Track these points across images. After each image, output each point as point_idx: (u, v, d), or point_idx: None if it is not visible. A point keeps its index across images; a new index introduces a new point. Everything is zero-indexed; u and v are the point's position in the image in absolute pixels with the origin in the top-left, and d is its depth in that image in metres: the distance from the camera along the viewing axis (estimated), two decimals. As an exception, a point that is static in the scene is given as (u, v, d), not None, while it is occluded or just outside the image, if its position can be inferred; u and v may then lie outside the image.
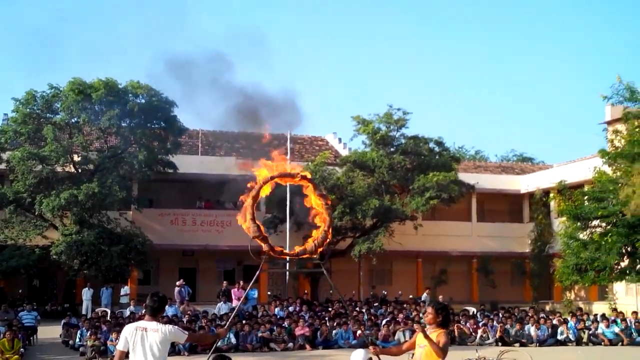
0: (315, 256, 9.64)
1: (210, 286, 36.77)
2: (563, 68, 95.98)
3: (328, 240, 9.67)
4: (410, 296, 35.42)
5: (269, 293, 36.45)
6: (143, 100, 33.07)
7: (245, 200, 9.66)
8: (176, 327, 7.92)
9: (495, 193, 42.57)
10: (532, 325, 23.78)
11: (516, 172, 47.08)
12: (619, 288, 34.28)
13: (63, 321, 24.04)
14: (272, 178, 9.64)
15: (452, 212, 40.66)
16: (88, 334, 20.64)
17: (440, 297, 31.45)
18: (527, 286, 41.86)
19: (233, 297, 26.23)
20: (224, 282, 28.92)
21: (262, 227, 9.60)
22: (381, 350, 8.61)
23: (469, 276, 42.10)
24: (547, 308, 36.17)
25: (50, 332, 24.53)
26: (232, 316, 11.35)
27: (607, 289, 36.34)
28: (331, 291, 37.75)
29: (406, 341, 10.13)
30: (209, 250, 37.75)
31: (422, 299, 29.85)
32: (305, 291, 36.33)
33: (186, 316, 23.25)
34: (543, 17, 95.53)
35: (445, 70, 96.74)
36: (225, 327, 9.80)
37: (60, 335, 23.32)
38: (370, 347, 8.50)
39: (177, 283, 28.81)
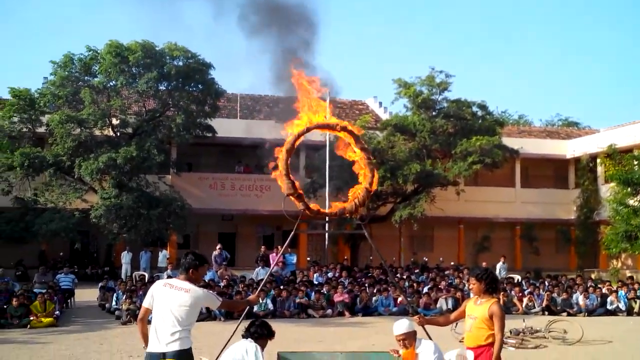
0: (355, 216, 9.07)
1: (250, 251, 36.56)
2: (607, 31, 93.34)
3: (369, 198, 9.08)
4: (452, 263, 34.77)
5: (308, 259, 36.07)
6: (180, 63, 32.65)
7: (279, 154, 9.09)
8: (210, 291, 7.23)
9: (540, 158, 41.50)
10: (581, 294, 22.86)
11: (561, 137, 45.87)
12: (669, 256, 33.29)
13: (100, 284, 23.97)
14: (308, 129, 9.04)
15: (495, 178, 39.77)
16: (124, 298, 20.44)
17: (484, 263, 30.68)
18: (572, 254, 40.92)
19: (271, 262, 25.90)
20: (262, 247, 28.56)
21: (297, 184, 9.01)
22: (426, 319, 8.11)
23: (513, 243, 41.28)
24: (593, 276, 35.28)
25: (88, 295, 24.48)
26: (263, 281, 10.85)
27: (656, 257, 35.35)
28: (371, 257, 37.31)
29: (449, 309, 9.58)
30: (248, 214, 37.51)
31: (498, 268, 29.11)
32: (345, 257, 35.91)
33: (224, 281, 22.94)
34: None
35: (487, 33, 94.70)
36: (256, 293, 9.20)
37: (98, 299, 23.23)
38: (415, 317, 7.96)
39: (217, 247, 28.58)
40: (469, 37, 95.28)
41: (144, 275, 27.02)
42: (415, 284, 23.89)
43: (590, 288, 23.52)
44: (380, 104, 45.70)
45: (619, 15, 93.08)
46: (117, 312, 20.43)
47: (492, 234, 40.77)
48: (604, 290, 23.48)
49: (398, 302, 21.84)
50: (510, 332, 15.99)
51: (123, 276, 28.42)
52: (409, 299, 21.34)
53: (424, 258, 35.84)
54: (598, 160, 39.38)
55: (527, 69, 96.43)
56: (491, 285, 7.38)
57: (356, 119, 39.29)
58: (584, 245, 39.54)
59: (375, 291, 22.29)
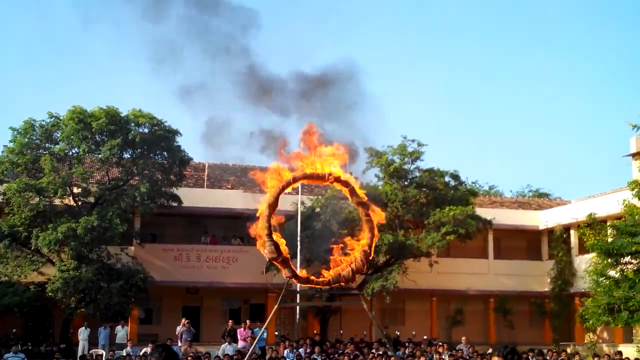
0: (352, 284, 7.96)
1: (215, 325, 35.05)
2: (574, 103, 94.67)
3: (367, 263, 8.01)
4: (425, 337, 33.65)
5: (276, 333, 34.66)
6: (146, 130, 31.77)
7: (259, 211, 8.04)
8: None
9: (513, 229, 40.84)
10: None
11: (533, 208, 45.39)
12: (649, 329, 32.45)
13: (52, 364, 22.33)
14: (295, 180, 8.00)
15: (468, 249, 38.96)
16: (79, 379, 18.92)
17: (463, 338, 29.52)
18: (546, 327, 39.96)
19: (239, 337, 24.58)
20: (230, 321, 27.22)
21: (281, 246, 7.92)
22: None
23: (486, 316, 40.24)
24: (569, 350, 34.26)
25: (41, 375, 22.85)
26: None
27: (634, 331, 34.47)
28: (341, 331, 36.07)
29: None
30: (214, 287, 36.11)
31: (460, 347, 27.73)
32: (315, 331, 34.53)
33: (189, 358, 21.51)
34: (555, 49, 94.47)
35: (455, 102, 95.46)
36: None
37: (51, 380, 21.61)
38: None
39: (183, 321, 27.05)
40: (436, 105, 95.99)
41: (102, 354, 25.38)
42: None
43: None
44: (351, 173, 44.86)
45: (584, 87, 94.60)
46: (71, 395, 18.87)
47: (465, 307, 39.76)
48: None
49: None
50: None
51: (79, 354, 26.74)
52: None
53: (396, 332, 34.69)
54: (572, 232, 38.91)
55: (497, 139, 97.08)
56: None
57: (327, 188, 38.52)
58: (559, 318, 38.65)
59: (350, 369, 21.03)
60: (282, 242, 7.79)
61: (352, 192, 8.09)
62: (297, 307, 30.86)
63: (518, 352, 6.39)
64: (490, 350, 27.13)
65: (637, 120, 25.30)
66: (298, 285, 30.69)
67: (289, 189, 8.00)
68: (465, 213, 33.75)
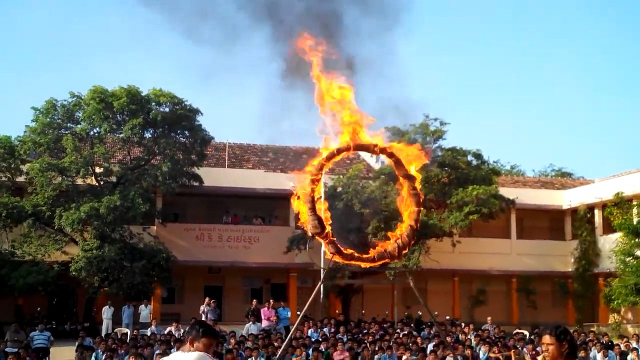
0: (398, 260, 7.73)
1: (237, 305, 35.12)
2: (598, 80, 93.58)
3: (414, 239, 7.79)
4: (447, 317, 33.45)
5: (298, 313, 34.59)
6: (167, 109, 31.66)
7: (307, 180, 7.81)
8: (204, 355, 5.79)
9: (536, 209, 40.41)
10: (599, 352, 21.36)
11: (556, 187, 44.95)
12: (673, 310, 32.12)
13: (77, 343, 22.27)
14: (339, 151, 7.77)
15: (491, 229, 38.63)
16: (103, 358, 18.88)
17: (489, 319, 29.14)
18: (569, 307, 39.63)
19: (263, 317, 24.49)
20: (254, 300, 27.13)
21: (325, 222, 7.70)
22: None
23: (509, 296, 39.98)
24: (593, 331, 33.95)
25: (65, 354, 22.82)
26: (284, 346, 9.35)
27: (659, 311, 34.17)
28: (363, 311, 35.98)
29: None
30: (235, 267, 36.09)
31: (485, 327, 27.39)
32: (337, 311, 34.45)
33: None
34: (579, 32, 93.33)
35: (476, 79, 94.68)
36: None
37: (75, 358, 21.59)
38: None
39: (207, 301, 26.96)
40: (459, 83, 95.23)
41: (126, 333, 25.41)
42: (419, 340, 22.34)
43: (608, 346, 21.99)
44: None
45: (607, 63, 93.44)
46: (96, 374, 18.87)
47: (488, 287, 39.55)
48: (622, 347, 22.09)
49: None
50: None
51: (103, 333, 26.79)
52: (413, 357, 19.90)
53: (418, 312, 34.48)
54: (596, 211, 38.49)
55: (518, 118, 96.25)
56: (572, 350, 5.78)
57: (348, 168, 38.34)
58: (582, 298, 38.32)
59: (377, 348, 20.80)
60: (326, 217, 7.57)
61: (398, 163, 7.85)
62: (322, 286, 30.63)
63: (570, 331, 6.07)
64: (516, 330, 26.97)
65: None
66: (323, 262, 30.86)
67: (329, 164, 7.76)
68: (488, 192, 33.43)
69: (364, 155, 45.10)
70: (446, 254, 35.93)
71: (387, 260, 7.60)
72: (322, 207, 7.73)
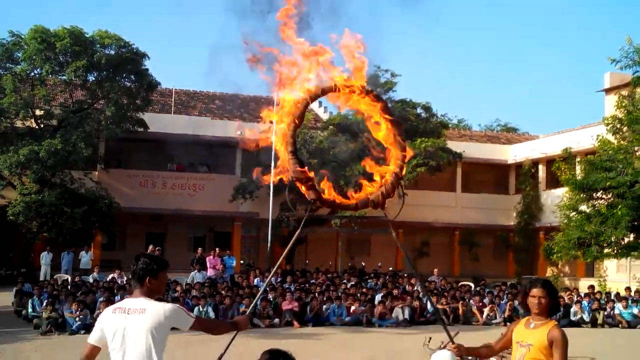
0: (381, 208, 7.39)
1: (179, 253, 34.65)
2: (545, 38, 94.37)
3: (398, 186, 7.44)
4: (390, 268, 33.64)
5: (242, 262, 34.41)
6: (112, 52, 30.63)
7: (283, 121, 7.36)
8: (179, 307, 5.25)
9: (481, 163, 40.72)
10: (520, 304, 21.55)
11: (502, 142, 45.30)
12: (610, 264, 32.79)
13: (15, 288, 21.64)
14: (323, 92, 7.31)
15: (436, 182, 38.78)
16: (44, 304, 18.37)
17: (435, 270, 29.31)
18: (510, 260, 40.31)
19: (208, 265, 24.16)
20: (199, 249, 26.75)
21: (305, 167, 7.27)
22: (466, 349, 6.29)
23: (451, 249, 40.43)
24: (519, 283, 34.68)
25: (2, 299, 22.25)
26: (255, 300, 8.96)
27: (595, 266, 34.88)
28: (307, 261, 35.95)
29: (405, 320, 8.02)
30: (179, 214, 35.57)
31: (432, 278, 27.47)
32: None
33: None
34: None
35: (427, 33, 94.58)
36: (247, 313, 7.16)
37: (13, 304, 21.01)
38: (452, 346, 6.30)
39: (152, 248, 26.49)
40: (406, 37, 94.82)
41: (67, 279, 24.83)
42: (366, 291, 22.31)
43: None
44: (320, 103, 44.25)
45: (552, 26, 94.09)
46: (35, 321, 18.33)
47: (431, 239, 39.89)
48: (566, 300, 22.45)
49: (351, 310, 20.37)
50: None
51: (42, 278, 26.15)
52: (362, 307, 19.89)
53: (362, 263, 34.62)
54: (540, 166, 38.96)
55: (465, 72, 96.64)
56: (555, 305, 5.79)
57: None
58: (523, 251, 38.96)
59: (325, 299, 20.71)
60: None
61: (384, 108, 7.45)
62: (270, 236, 30.51)
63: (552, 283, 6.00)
64: (462, 282, 27.16)
65: (617, 55, 24.87)
66: (270, 213, 30.61)
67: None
68: (436, 145, 33.47)
69: (313, 104, 44.69)
70: (392, 205, 35.88)
71: (371, 207, 7.26)
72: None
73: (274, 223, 31.56)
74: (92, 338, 5.14)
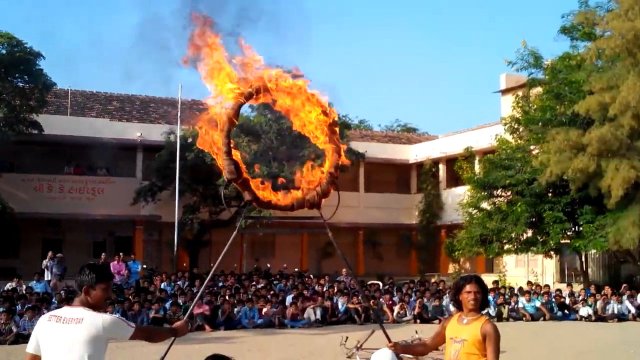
0: (317, 209, 7.22)
1: (80, 259, 33.38)
2: (443, 39, 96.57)
3: (333, 186, 7.30)
4: (296, 269, 33.62)
5: (144, 266, 33.58)
6: (4, 51, 29.32)
7: (219, 123, 7.10)
8: (118, 317, 5.15)
9: (383, 163, 41.23)
10: (451, 301, 21.97)
11: (402, 142, 45.99)
12: (509, 260, 33.77)
13: None
14: (257, 92, 7.07)
15: (339, 182, 38.65)
16: None
17: (344, 270, 29.34)
18: (413, 258, 40.97)
19: (112, 271, 23.39)
20: (102, 254, 25.96)
21: (242, 166, 7.02)
22: (402, 348, 6.51)
23: (356, 248, 40.72)
24: (433, 280, 35.27)
25: None
26: (192, 305, 8.59)
27: (495, 261, 35.85)
28: (212, 264, 35.37)
29: (317, 320, 7.94)
30: (77, 219, 34.37)
31: (341, 278, 27.46)
32: (184, 264, 33.71)
33: (61, 292, 20.23)
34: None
35: (327, 29, 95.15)
36: (184, 319, 6.89)
37: None
38: (389, 345, 6.32)
39: (51, 254, 25.42)
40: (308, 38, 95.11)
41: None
42: (278, 293, 22.13)
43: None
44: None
45: (452, 24, 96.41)
46: None
47: (335, 239, 39.94)
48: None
49: (263, 313, 20.13)
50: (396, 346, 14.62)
51: None
52: (274, 309, 19.68)
53: (267, 264, 34.42)
54: (440, 166, 39.77)
55: (366, 73, 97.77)
56: (486, 299, 5.89)
57: (198, 119, 37.39)
58: (425, 249, 39.67)
59: (236, 302, 20.39)
60: (242, 163, 6.94)
61: (323, 112, 7.31)
62: (176, 239, 29.92)
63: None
64: (371, 281, 27.32)
65: (512, 57, 25.71)
66: (177, 215, 29.99)
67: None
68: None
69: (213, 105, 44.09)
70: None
71: (307, 207, 7.10)
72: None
73: (178, 226, 31.02)
74: (30, 347, 4.94)
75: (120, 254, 25.39)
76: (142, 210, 34.09)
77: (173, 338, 6.27)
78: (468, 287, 5.77)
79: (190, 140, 32.31)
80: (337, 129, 7.31)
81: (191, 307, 8.30)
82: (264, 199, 7.12)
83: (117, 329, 4.88)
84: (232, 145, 6.90)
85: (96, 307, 4.91)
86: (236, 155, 6.92)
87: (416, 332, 15.65)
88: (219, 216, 34.08)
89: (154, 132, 35.13)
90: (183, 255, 35.95)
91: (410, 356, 7.36)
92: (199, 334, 18.49)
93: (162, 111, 41.42)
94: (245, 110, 36.82)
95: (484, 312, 5.91)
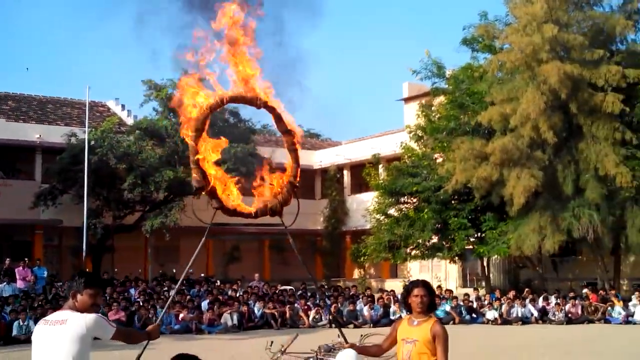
0: (279, 215, 7.45)
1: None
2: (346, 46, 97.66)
3: (294, 194, 7.50)
4: (202, 274, 33.39)
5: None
6: None
7: (186, 127, 7.14)
8: (101, 316, 5.32)
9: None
10: (365, 305, 22.37)
11: (307, 148, 46.20)
12: (414, 265, 34.50)
13: None
14: (222, 102, 7.12)
15: (245, 187, 38.76)
16: None
17: (256, 275, 29.41)
18: (318, 264, 41.30)
19: (18, 276, 22.70)
20: (7, 259, 25.08)
21: (210, 175, 7.13)
22: (358, 349, 6.84)
23: (262, 253, 40.74)
24: (339, 285, 35.73)
25: None
26: (164, 309, 8.58)
27: (400, 267, 36.55)
28: (116, 269, 34.75)
29: (234, 325, 8.06)
30: (-30, 225, 33.03)
31: (253, 283, 27.34)
32: (87, 270, 32.85)
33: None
34: None
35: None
36: (156, 323, 7.10)
37: None
38: (346, 346, 6.78)
39: None
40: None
41: None
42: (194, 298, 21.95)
43: (371, 299, 23.09)
44: (124, 106, 42.90)
45: (357, 31, 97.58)
46: None
47: (241, 244, 39.95)
48: (385, 301, 23.30)
49: (180, 318, 19.95)
50: (321, 350, 14.78)
51: None
52: (190, 314, 19.52)
53: (173, 270, 34.02)
54: (345, 172, 40.24)
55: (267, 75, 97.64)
56: (433, 302, 6.26)
57: (98, 121, 36.63)
58: (330, 255, 40.04)
59: (150, 307, 20.13)
60: (214, 170, 7.06)
61: (278, 119, 7.48)
62: (85, 245, 29.21)
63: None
64: (284, 287, 27.39)
65: (416, 66, 26.38)
66: (85, 219, 29.22)
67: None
68: (247, 151, 33.53)
69: (115, 108, 43.25)
70: (202, 211, 35.44)
71: (268, 215, 7.36)
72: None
73: (80, 231, 30.29)
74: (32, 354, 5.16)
75: (26, 259, 24.65)
76: (42, 214, 33.08)
77: (147, 341, 6.62)
78: (416, 291, 6.14)
79: (93, 142, 31.60)
80: (299, 140, 7.50)
81: (162, 312, 8.33)
82: (229, 207, 7.32)
83: (100, 328, 5.15)
84: (201, 157, 6.97)
85: (82, 311, 5.11)
86: (207, 164, 7.01)
87: (338, 336, 15.80)
88: (122, 221, 33.44)
89: (54, 134, 34.19)
90: (86, 261, 35.10)
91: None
92: (115, 340, 18.09)
93: (62, 112, 40.37)
94: (150, 113, 36.34)
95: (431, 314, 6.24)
